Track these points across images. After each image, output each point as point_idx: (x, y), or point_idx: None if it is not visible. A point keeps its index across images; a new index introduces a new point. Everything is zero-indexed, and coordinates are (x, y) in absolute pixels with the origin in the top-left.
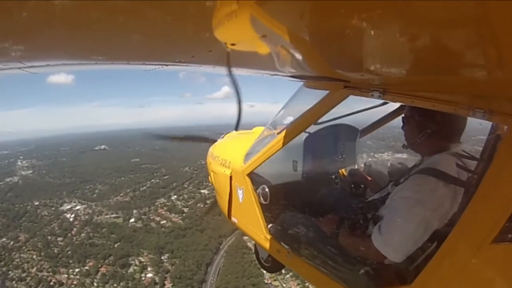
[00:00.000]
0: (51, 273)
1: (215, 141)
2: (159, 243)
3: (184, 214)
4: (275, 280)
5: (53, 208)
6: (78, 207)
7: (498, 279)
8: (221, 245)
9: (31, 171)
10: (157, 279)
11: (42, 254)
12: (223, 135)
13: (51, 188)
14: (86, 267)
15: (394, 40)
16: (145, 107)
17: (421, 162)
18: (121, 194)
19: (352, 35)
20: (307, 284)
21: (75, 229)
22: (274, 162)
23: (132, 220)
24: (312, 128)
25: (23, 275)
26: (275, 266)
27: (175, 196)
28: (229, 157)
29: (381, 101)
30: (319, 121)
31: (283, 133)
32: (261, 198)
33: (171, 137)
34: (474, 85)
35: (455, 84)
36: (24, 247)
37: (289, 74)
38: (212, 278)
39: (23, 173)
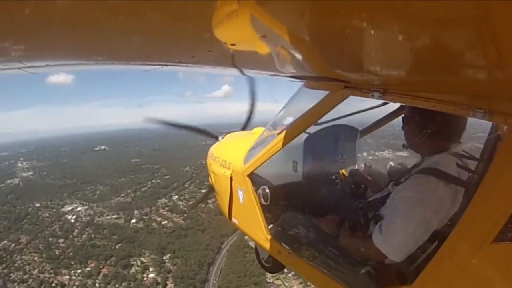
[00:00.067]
0: (52, 275)
1: (216, 137)
2: (161, 243)
3: (185, 214)
4: (277, 279)
5: (54, 210)
6: (79, 208)
7: (499, 278)
8: (222, 244)
9: (31, 173)
10: (159, 279)
11: (44, 255)
12: (223, 136)
13: (52, 189)
14: (88, 268)
15: (394, 40)
16: (145, 107)
17: (422, 162)
18: (122, 195)
19: (352, 35)
20: (309, 283)
21: (76, 230)
22: (274, 163)
23: (133, 220)
24: (312, 129)
25: (25, 277)
26: (275, 267)
27: (176, 196)
28: (229, 158)
29: (381, 102)
30: (319, 121)
31: (283, 134)
32: (262, 199)
33: (175, 123)
34: (474, 85)
35: (455, 84)
36: (25, 249)
37: (289, 75)
38: (214, 277)
39: (23, 174)
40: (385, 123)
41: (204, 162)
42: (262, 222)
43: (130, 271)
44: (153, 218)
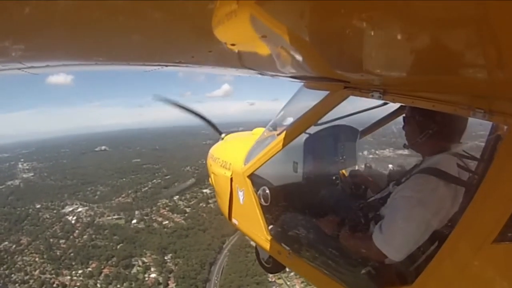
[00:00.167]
0: (54, 275)
1: (220, 133)
2: (162, 243)
3: (186, 214)
4: (279, 278)
5: (54, 211)
6: (80, 209)
7: (499, 279)
8: (224, 244)
9: (32, 174)
10: (160, 279)
11: (45, 256)
12: (223, 136)
13: (53, 190)
14: (89, 269)
15: (394, 40)
16: (145, 107)
17: (422, 162)
18: (123, 195)
19: (352, 36)
20: None
21: (77, 231)
22: (274, 164)
23: (134, 221)
24: (313, 129)
25: (26, 277)
26: (275, 267)
27: (177, 196)
28: (230, 159)
29: (381, 102)
30: (320, 122)
31: (283, 134)
32: (262, 200)
33: (185, 107)
34: (474, 85)
35: (455, 84)
36: (26, 250)
37: (289, 75)
38: (216, 277)
39: (24, 176)
40: (385, 123)
41: (204, 162)
42: (262, 222)
43: (132, 271)
44: (154, 218)
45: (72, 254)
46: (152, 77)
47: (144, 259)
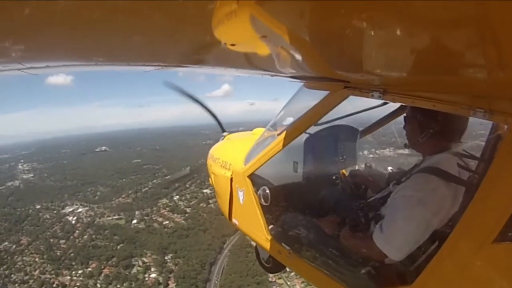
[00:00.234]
0: (54, 275)
1: (224, 130)
2: (162, 243)
3: (186, 215)
4: (279, 278)
5: (55, 211)
6: (80, 210)
7: (499, 279)
8: (224, 244)
9: (32, 175)
10: (160, 279)
11: (45, 256)
12: (223, 137)
13: (53, 191)
14: (89, 269)
15: (394, 40)
16: (145, 107)
17: (423, 162)
18: (123, 196)
19: (352, 36)
20: None
21: (77, 231)
22: (274, 164)
23: (134, 221)
24: (313, 129)
25: (26, 277)
26: (275, 267)
27: (178, 197)
28: (230, 159)
29: (381, 102)
30: (320, 121)
31: (283, 134)
32: (262, 200)
33: (192, 96)
34: (475, 85)
35: (456, 84)
36: (26, 250)
37: (289, 75)
38: (216, 277)
39: (24, 176)
40: (385, 123)
41: (204, 162)
42: (263, 222)
43: (132, 272)
44: (154, 218)
45: (72, 254)
46: (152, 76)
47: (144, 259)
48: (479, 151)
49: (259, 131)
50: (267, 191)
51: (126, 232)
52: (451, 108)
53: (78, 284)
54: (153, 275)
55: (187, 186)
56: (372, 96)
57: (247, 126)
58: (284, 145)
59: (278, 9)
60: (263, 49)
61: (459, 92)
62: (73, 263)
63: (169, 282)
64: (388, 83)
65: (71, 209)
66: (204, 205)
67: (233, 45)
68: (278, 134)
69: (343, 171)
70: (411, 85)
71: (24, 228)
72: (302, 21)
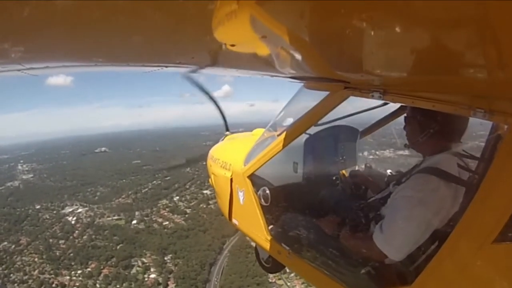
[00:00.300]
0: (53, 275)
1: (228, 130)
2: (162, 244)
3: (186, 215)
4: (279, 279)
5: (54, 212)
6: (79, 210)
7: (499, 279)
8: (224, 245)
9: (31, 175)
10: (160, 279)
11: (44, 257)
12: (223, 137)
13: (52, 191)
14: (89, 269)
15: (394, 40)
16: (145, 108)
17: (423, 162)
18: (123, 196)
19: (352, 36)
20: None
21: (77, 231)
22: (274, 164)
23: (134, 221)
24: (313, 130)
25: (25, 277)
26: (275, 267)
27: (177, 197)
28: (230, 159)
29: (382, 102)
30: (320, 122)
31: (283, 135)
32: (262, 200)
33: (201, 87)
34: (475, 85)
35: (456, 84)
36: (25, 250)
37: (289, 75)
38: (216, 278)
39: (23, 177)
40: (385, 123)
41: (204, 163)
42: (263, 223)
43: (131, 272)
44: (154, 219)
45: (71, 255)
46: (152, 77)
47: (143, 259)
48: (479, 151)
49: (259, 131)
50: (267, 191)
51: (126, 232)
52: (451, 108)
53: (77, 284)
54: (152, 276)
55: (187, 187)
56: (372, 97)
57: (247, 127)
58: (284, 146)
59: (278, 9)
60: (263, 50)
61: (459, 92)
62: (73, 263)
63: (169, 282)
64: (388, 84)
65: (70, 210)
66: (204, 206)
67: (233, 45)
68: (278, 135)
69: (343, 171)
70: (411, 85)
71: (23, 228)
72: (302, 22)
